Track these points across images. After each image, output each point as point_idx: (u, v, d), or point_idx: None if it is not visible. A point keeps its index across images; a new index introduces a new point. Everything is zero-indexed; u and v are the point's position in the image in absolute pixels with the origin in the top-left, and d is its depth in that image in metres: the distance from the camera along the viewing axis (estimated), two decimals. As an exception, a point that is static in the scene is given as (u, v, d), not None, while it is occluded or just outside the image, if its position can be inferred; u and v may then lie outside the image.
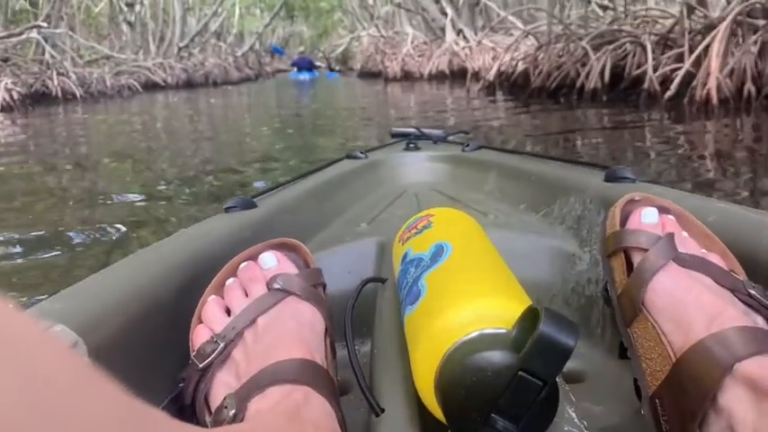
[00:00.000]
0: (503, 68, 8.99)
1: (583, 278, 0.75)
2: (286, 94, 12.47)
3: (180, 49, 17.09)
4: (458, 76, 14.34)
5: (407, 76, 14.56)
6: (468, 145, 1.37)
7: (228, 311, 0.54)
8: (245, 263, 0.58)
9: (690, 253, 0.50)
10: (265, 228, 0.80)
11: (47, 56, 11.67)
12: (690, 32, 5.90)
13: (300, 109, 8.81)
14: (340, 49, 28.26)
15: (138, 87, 13.45)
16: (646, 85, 6.12)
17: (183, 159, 4.27)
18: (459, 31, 14.58)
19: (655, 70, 6.02)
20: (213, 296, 0.56)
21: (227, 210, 0.87)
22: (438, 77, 13.98)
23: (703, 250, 0.52)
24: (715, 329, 0.42)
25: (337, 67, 25.65)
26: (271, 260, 0.59)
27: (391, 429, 0.45)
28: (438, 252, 0.53)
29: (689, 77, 5.39)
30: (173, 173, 3.81)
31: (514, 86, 8.40)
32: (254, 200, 0.90)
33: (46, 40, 12.02)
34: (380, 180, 1.26)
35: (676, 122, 4.94)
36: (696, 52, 5.34)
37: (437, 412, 0.43)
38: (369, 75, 17.90)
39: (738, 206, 0.69)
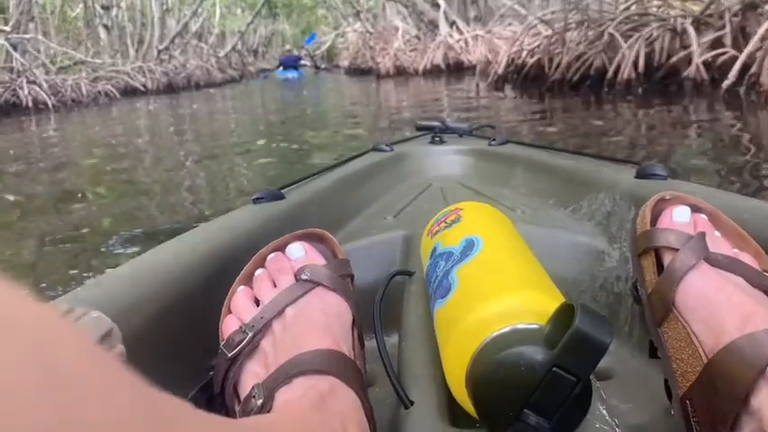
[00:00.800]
0: (511, 60, 8.03)
1: (612, 275, 0.76)
2: (272, 97, 12.08)
3: (159, 51, 16.90)
4: (454, 70, 13.88)
5: (400, 72, 14.22)
6: (494, 139, 1.37)
7: (257, 302, 0.55)
8: (273, 254, 0.59)
9: (722, 253, 0.50)
10: (293, 219, 0.80)
11: (15, 63, 10.59)
12: (728, 13, 5.01)
13: (288, 114, 8.41)
14: (325, 46, 28.34)
15: (116, 94, 12.60)
16: (689, 74, 5.65)
17: (170, 190, 3.72)
18: (452, 23, 13.64)
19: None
20: (242, 286, 0.57)
21: (256, 201, 0.88)
22: (433, 72, 13.62)
23: (735, 250, 0.52)
24: (747, 330, 0.42)
25: (323, 65, 25.91)
26: (298, 251, 0.59)
27: (420, 422, 0.45)
28: (469, 246, 0.53)
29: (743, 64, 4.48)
30: (159, 206, 3.32)
31: (526, 80, 8.00)
32: (282, 191, 0.91)
33: (15, 48, 10.96)
34: (406, 173, 1.27)
35: (739, 117, 4.30)
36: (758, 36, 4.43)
37: (468, 406, 0.43)
38: (358, 71, 17.57)
39: None
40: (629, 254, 0.68)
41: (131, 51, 16.26)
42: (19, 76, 10.68)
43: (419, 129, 1.56)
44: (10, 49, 10.75)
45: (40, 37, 12.07)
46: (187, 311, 0.58)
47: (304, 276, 0.55)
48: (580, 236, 0.84)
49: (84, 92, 11.92)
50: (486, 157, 1.33)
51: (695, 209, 0.56)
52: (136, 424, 0.19)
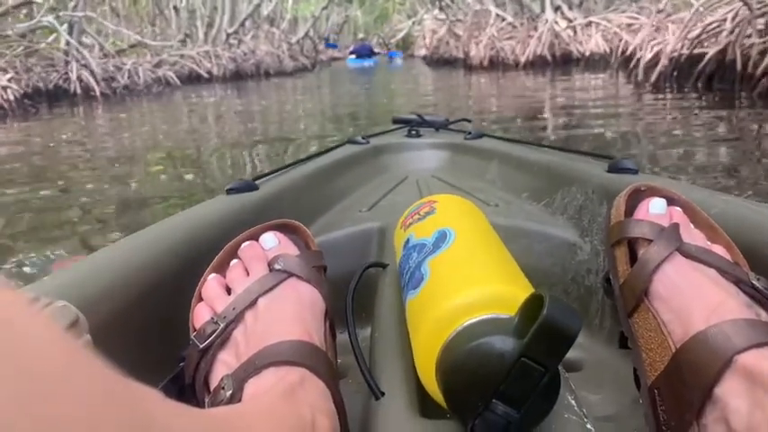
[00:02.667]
0: (664, 52, 5.76)
1: (582, 268, 0.78)
2: (349, 92, 10.67)
3: (228, 35, 16.37)
4: (560, 63, 12.43)
5: (494, 63, 12.91)
6: (470, 133, 1.40)
7: (229, 290, 0.57)
8: (246, 242, 0.61)
9: (695, 244, 0.52)
10: (267, 210, 0.83)
11: (63, 44, 8.95)
12: None
13: (371, 115, 6.68)
14: (401, 35, 27.70)
15: (177, 81, 10.64)
16: None
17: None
18: (556, 8, 11.26)
19: None
20: (214, 274, 0.59)
21: (229, 191, 0.90)
22: (536, 65, 12.22)
23: (708, 242, 0.54)
24: (715, 321, 0.44)
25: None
26: (272, 240, 0.61)
27: (391, 413, 0.48)
28: (441, 238, 0.55)
29: None
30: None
31: (697, 78, 6.44)
32: (256, 182, 0.94)
33: (72, 28, 9.28)
34: (382, 166, 1.30)
35: None
36: None
37: (438, 396, 0.45)
38: (441, 62, 16.24)
39: (742, 199, 0.71)
40: (600, 247, 0.73)
41: (200, 35, 15.74)
42: (68, 60, 9.04)
43: (395, 122, 1.57)
44: (58, 28, 9.12)
45: (92, 14, 10.38)
46: (157, 301, 0.60)
47: (277, 266, 0.57)
48: (553, 229, 0.86)
49: (142, 78, 10.18)
50: (462, 150, 1.36)
51: (670, 201, 0.58)
52: (107, 414, 0.19)
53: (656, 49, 6.98)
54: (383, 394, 0.50)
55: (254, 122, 6.32)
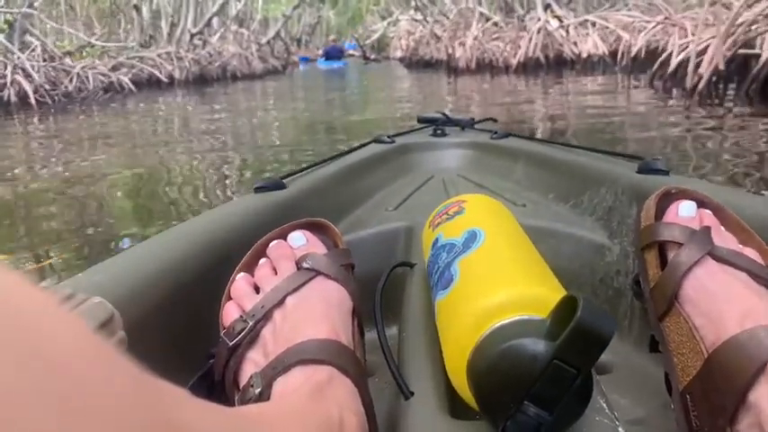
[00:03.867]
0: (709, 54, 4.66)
1: (612, 270, 0.79)
2: (324, 99, 9.40)
3: (193, 35, 15.49)
4: (553, 65, 11.44)
5: (480, 66, 12.02)
6: (496, 132, 1.41)
7: (258, 289, 0.59)
8: (274, 241, 0.64)
9: (726, 247, 0.54)
10: (294, 208, 0.85)
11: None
12: None
13: (351, 128, 5.75)
14: (375, 36, 27.92)
15: (131, 86, 9.14)
16: None
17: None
18: (546, 6, 10.19)
19: None
20: (243, 273, 0.61)
21: (257, 190, 0.92)
22: (527, 67, 11.23)
23: (740, 245, 0.56)
24: (748, 326, 0.45)
25: (373, 56, 25.41)
26: (300, 239, 0.63)
27: (420, 412, 0.49)
28: (471, 238, 0.57)
29: None
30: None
31: (727, 82, 5.70)
32: (284, 181, 0.96)
33: (11, 26, 7.92)
34: (408, 165, 1.31)
35: None
36: None
37: (468, 397, 0.47)
38: (420, 64, 15.50)
39: None
40: (629, 249, 0.74)
41: (164, 36, 14.83)
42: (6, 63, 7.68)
43: (421, 121, 1.57)
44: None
45: (30, 10, 9.00)
46: (188, 299, 0.62)
47: (305, 265, 0.58)
48: (581, 230, 0.87)
49: (92, 83, 8.83)
50: (488, 150, 1.38)
51: (700, 204, 0.60)
52: (134, 414, 0.19)
53: (688, 49, 5.88)
54: (412, 394, 0.51)
55: (212, 139, 5.04)
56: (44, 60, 9.69)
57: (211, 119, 6.77)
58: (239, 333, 0.53)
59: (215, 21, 16.74)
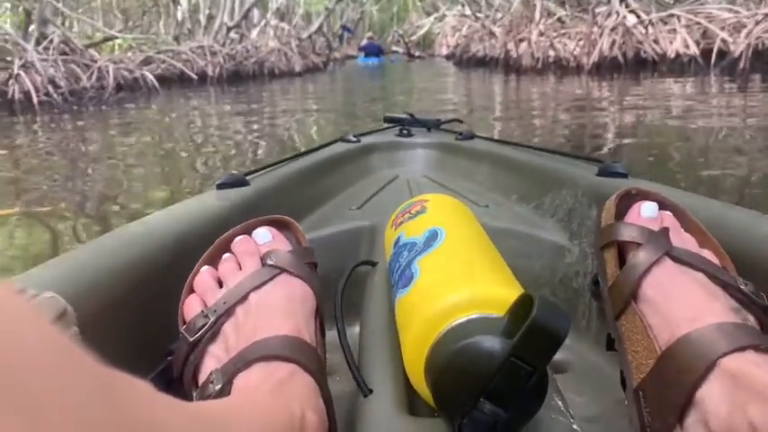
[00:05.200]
0: None
1: (571, 270, 0.81)
2: (371, 96, 8.51)
3: (229, 29, 13.79)
4: (632, 65, 9.65)
5: (545, 66, 10.52)
6: (461, 134, 1.45)
7: (221, 284, 0.60)
8: (239, 236, 0.65)
9: (684, 248, 0.56)
10: (257, 206, 0.85)
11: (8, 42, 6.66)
12: None
13: None
14: (421, 32, 26.43)
15: (156, 84, 9.82)
16: None
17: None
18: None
19: None
20: (206, 267, 0.62)
21: (219, 186, 0.92)
22: (601, 68, 9.59)
23: (698, 247, 0.59)
24: (701, 324, 0.47)
25: (417, 53, 24.81)
26: (265, 235, 0.64)
27: (379, 410, 0.50)
28: (432, 237, 0.58)
29: None
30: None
31: None
32: (247, 178, 0.96)
33: (29, 16, 7.17)
34: (372, 165, 1.33)
35: None
36: None
37: (426, 395, 0.49)
38: (472, 62, 13.99)
39: (730, 205, 0.74)
40: (588, 250, 0.76)
41: (202, 29, 13.70)
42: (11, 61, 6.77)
43: (387, 121, 1.57)
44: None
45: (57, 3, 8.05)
46: (146, 294, 0.62)
47: (270, 261, 0.59)
48: (542, 231, 0.88)
49: (112, 79, 7.77)
50: (453, 151, 1.39)
51: (661, 206, 0.61)
52: (93, 406, 0.19)
53: None
54: (371, 392, 0.53)
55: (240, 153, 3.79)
56: (63, 54, 8.66)
57: (243, 132, 5.58)
58: (200, 328, 0.54)
59: (255, 14, 16.21)
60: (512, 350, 0.40)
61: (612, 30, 9.97)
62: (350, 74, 16.20)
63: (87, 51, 9.55)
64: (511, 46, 11.66)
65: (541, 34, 11.04)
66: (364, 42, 24.90)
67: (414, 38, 27.37)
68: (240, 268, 0.59)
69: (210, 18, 14.44)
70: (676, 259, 0.53)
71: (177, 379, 0.53)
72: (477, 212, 0.74)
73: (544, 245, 0.86)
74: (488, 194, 1.10)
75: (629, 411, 0.50)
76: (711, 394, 0.42)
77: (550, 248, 0.85)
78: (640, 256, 0.53)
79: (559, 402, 0.48)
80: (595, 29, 10.24)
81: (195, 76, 11.51)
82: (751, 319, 0.49)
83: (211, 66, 12.19)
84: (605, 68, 9.83)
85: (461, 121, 1.62)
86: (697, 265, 0.52)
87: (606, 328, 0.57)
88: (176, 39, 13.57)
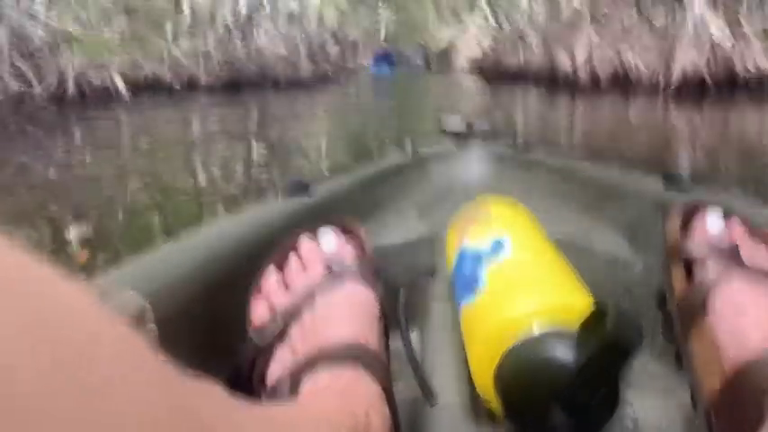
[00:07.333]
0: None
1: (635, 284, 0.83)
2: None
3: (230, 30, 12.02)
4: (725, 86, 7.70)
5: (597, 83, 8.50)
6: (518, 144, 1.47)
7: (286, 287, 0.67)
8: (306, 241, 0.70)
9: (753, 264, 0.58)
10: (319, 213, 0.89)
11: None
12: None
13: None
14: (440, 44, 24.45)
15: (123, 90, 8.10)
16: None
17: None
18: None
19: None
20: (272, 269, 0.67)
21: (284, 194, 0.99)
22: (682, 90, 7.62)
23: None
24: None
25: (435, 65, 24.10)
26: (331, 241, 0.67)
27: (445, 418, 0.53)
28: (497, 246, 0.60)
29: None
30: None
31: None
32: (310, 187, 1.05)
33: None
34: (430, 175, 1.37)
35: None
36: None
37: (494, 405, 0.51)
38: (502, 76, 11.96)
39: None
40: (653, 263, 0.77)
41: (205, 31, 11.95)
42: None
43: (444, 132, 1.63)
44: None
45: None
46: (218, 294, 0.67)
47: (336, 267, 0.63)
48: (604, 244, 0.90)
49: (71, 85, 5.92)
50: (510, 161, 1.46)
51: (726, 217, 0.63)
52: (160, 406, 0.19)
53: None
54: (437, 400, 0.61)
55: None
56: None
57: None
58: (268, 332, 0.58)
59: (262, 15, 13.87)
60: (584, 363, 0.41)
61: (697, 39, 8.10)
62: (369, 88, 14.90)
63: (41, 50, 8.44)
64: (561, 57, 9.89)
65: (603, 44, 9.18)
66: (378, 52, 25.36)
67: (435, 48, 26.69)
68: (305, 272, 0.64)
69: (211, 18, 13.39)
70: (745, 275, 0.54)
71: (246, 381, 0.56)
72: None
73: (607, 258, 0.89)
74: (547, 204, 1.09)
75: (698, 429, 0.51)
76: None
77: (614, 261, 0.88)
78: (709, 272, 0.55)
79: (628, 414, 0.50)
80: (666, 39, 8.73)
81: (178, 87, 9.50)
82: None
83: (205, 71, 10.39)
84: (686, 90, 8.02)
85: (517, 132, 1.86)
86: (766, 280, 0.55)
87: (672, 343, 0.59)
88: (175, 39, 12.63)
